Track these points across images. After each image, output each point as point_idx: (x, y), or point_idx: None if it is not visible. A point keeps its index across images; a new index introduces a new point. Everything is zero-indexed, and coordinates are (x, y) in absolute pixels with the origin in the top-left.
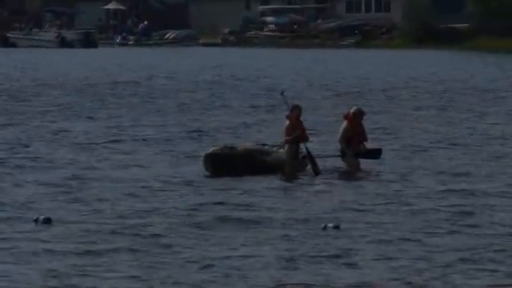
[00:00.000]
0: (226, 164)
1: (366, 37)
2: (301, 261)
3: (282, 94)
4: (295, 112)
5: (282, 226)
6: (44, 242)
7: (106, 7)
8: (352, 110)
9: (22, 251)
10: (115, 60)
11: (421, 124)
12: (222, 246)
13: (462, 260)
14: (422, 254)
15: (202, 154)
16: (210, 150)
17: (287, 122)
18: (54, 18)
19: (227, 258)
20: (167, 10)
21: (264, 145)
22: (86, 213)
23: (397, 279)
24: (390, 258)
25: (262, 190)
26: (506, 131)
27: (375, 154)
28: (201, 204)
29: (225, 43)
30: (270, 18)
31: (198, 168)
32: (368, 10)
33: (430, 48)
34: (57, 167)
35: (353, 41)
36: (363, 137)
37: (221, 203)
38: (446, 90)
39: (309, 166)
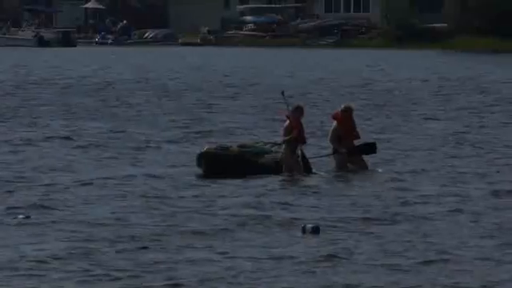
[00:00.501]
0: (220, 164)
1: (345, 36)
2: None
3: (282, 93)
4: (297, 113)
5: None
6: None
7: (85, 6)
8: (340, 109)
9: None
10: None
11: None
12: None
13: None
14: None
15: (196, 152)
16: (204, 148)
17: (287, 122)
18: (33, 16)
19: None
20: (146, 10)
21: (266, 143)
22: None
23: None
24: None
25: (253, 190)
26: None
27: (370, 148)
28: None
29: (204, 43)
30: (249, 18)
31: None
32: (347, 10)
33: (409, 48)
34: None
35: (332, 40)
36: (355, 134)
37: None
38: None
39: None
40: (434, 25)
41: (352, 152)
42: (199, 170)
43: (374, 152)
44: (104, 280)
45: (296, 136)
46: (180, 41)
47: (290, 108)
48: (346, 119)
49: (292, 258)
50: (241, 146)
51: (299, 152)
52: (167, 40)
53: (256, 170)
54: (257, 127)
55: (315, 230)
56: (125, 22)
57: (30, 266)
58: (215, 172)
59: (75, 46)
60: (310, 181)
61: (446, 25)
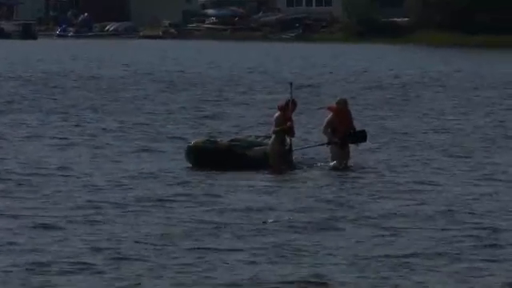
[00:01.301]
0: (208, 157)
1: (306, 30)
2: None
3: (290, 84)
4: (291, 106)
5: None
6: None
7: None
8: (336, 101)
9: None
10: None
11: None
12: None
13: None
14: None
15: (185, 145)
16: (193, 142)
17: (278, 113)
18: None
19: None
20: (108, 2)
21: (257, 137)
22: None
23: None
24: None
25: (239, 184)
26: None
27: (361, 136)
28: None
29: (165, 36)
30: (210, 11)
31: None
32: (309, 4)
33: (371, 42)
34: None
35: (293, 34)
36: (350, 126)
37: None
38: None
39: (293, 158)
40: (396, 19)
41: (344, 143)
42: (187, 163)
43: (365, 140)
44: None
45: (289, 127)
46: (141, 34)
47: (290, 99)
48: (340, 111)
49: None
50: (232, 141)
51: (288, 143)
52: (128, 33)
53: (245, 163)
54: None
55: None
56: (86, 14)
57: None
58: (203, 165)
59: (36, 38)
60: (298, 174)
61: (407, 19)
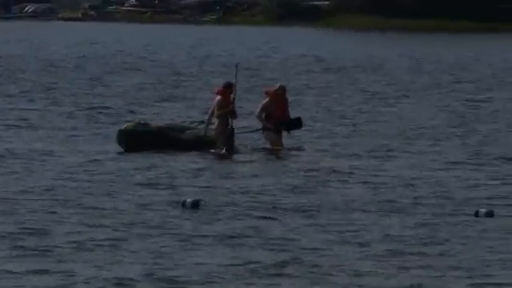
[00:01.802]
0: (140, 140)
1: (227, 13)
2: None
3: (236, 66)
4: (230, 89)
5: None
6: None
7: None
8: (275, 87)
9: None
10: None
11: None
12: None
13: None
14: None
15: (116, 129)
16: (124, 126)
17: (218, 97)
18: None
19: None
20: None
21: (192, 122)
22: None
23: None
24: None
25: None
26: None
27: (296, 123)
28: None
29: (85, 18)
30: None
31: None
32: None
33: (291, 25)
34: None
35: (214, 17)
36: (285, 114)
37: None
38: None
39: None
40: (316, 3)
41: (278, 128)
42: (119, 147)
43: (300, 127)
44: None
45: (231, 110)
46: (60, 15)
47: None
48: (278, 97)
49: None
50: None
51: (231, 127)
52: (47, 15)
53: (177, 145)
54: None
55: (195, 205)
56: None
57: None
58: (135, 149)
59: None
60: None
61: (327, 3)
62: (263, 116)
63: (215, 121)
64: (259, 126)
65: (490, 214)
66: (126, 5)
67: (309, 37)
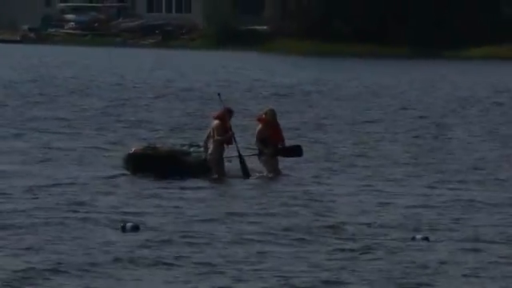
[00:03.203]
0: (148, 164)
1: (166, 37)
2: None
3: (218, 95)
4: (230, 114)
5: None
6: None
7: None
8: (264, 111)
9: None
10: None
11: None
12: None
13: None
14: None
15: (124, 153)
16: (132, 149)
17: (216, 122)
18: None
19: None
20: None
21: (191, 146)
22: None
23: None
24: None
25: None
26: None
27: (296, 151)
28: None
29: (24, 40)
30: (70, 16)
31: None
32: (169, 10)
33: (230, 49)
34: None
35: (153, 41)
36: (280, 136)
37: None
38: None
39: (239, 167)
40: (256, 27)
41: (276, 154)
42: (126, 171)
43: (300, 155)
44: None
45: (230, 137)
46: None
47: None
48: (269, 122)
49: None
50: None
51: (239, 154)
52: None
53: (182, 169)
54: None
55: (134, 229)
56: None
57: None
58: (143, 172)
59: None
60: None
61: (266, 27)
62: (260, 141)
63: (210, 146)
64: (255, 151)
65: (426, 239)
66: (66, 27)
67: (248, 61)
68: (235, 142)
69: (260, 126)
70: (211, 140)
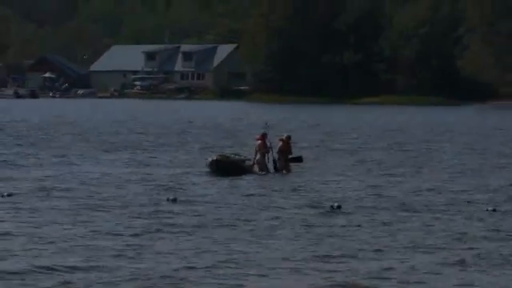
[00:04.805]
0: (226, 167)
1: (191, 94)
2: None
3: (266, 124)
4: (266, 137)
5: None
6: None
7: (44, 76)
8: (284, 136)
9: None
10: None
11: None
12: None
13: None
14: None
15: (208, 159)
16: (215, 157)
17: (259, 142)
18: (14, 81)
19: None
20: (79, 77)
21: (235, 155)
22: None
23: None
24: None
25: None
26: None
27: (299, 159)
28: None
29: (112, 96)
30: (137, 82)
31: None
32: (192, 78)
33: (229, 101)
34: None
35: (184, 96)
36: (290, 150)
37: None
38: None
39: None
40: (241, 87)
41: (288, 160)
42: (211, 172)
43: (301, 161)
44: None
45: (267, 150)
46: (98, 95)
47: (266, 132)
48: (286, 143)
49: None
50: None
51: (267, 159)
52: (91, 96)
53: (242, 171)
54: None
55: (174, 200)
56: (66, 84)
57: None
58: (223, 174)
59: (38, 98)
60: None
61: (248, 87)
62: (277, 154)
63: (258, 155)
64: (276, 159)
65: (339, 207)
66: (135, 89)
67: (238, 107)
68: (272, 151)
69: (280, 143)
70: (257, 152)
